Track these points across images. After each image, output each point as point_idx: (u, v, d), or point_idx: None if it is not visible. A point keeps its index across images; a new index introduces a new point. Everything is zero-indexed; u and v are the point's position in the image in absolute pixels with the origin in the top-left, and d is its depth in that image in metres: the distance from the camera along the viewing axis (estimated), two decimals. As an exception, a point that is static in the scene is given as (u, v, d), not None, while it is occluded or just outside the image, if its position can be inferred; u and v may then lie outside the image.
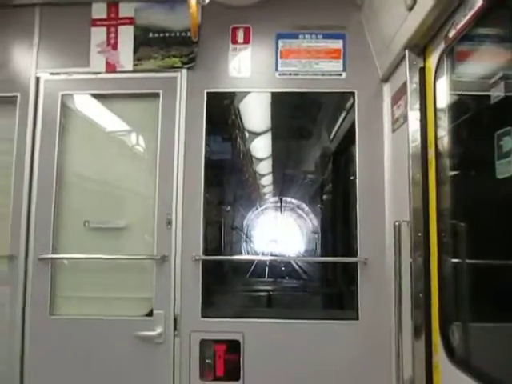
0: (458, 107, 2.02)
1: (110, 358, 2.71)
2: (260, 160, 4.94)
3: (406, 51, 2.22)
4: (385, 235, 2.65)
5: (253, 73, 2.85)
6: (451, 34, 1.89)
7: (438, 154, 2.09)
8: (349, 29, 2.82)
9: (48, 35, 2.93)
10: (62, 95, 2.90)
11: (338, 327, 2.71)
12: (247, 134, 4.70)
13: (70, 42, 2.92)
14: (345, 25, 2.83)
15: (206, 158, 2.85)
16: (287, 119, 4.05)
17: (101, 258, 2.85)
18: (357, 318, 2.67)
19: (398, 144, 2.48)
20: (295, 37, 2.84)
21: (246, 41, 2.86)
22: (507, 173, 1.51)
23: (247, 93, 3.05)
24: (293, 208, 4.88)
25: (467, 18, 1.75)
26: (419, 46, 2.18)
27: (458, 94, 2.05)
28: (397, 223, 2.31)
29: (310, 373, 2.64)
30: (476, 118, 1.91)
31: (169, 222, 2.77)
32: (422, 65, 2.20)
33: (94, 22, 2.90)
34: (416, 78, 2.21)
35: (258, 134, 4.56)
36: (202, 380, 2.68)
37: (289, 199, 4.83)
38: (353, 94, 2.82)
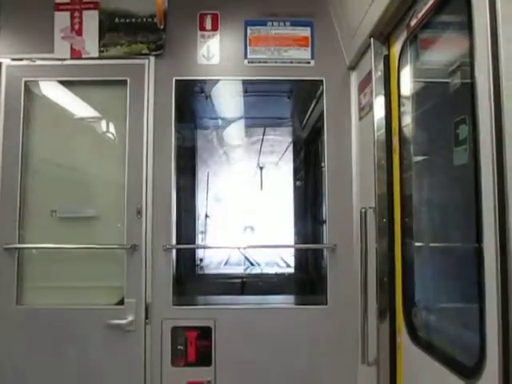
0: (421, 95, 2.06)
1: (81, 347, 2.69)
2: (232, 147, 4.94)
3: (371, 39, 2.25)
4: (352, 222, 2.70)
5: (222, 60, 2.83)
6: (413, 23, 1.92)
7: (401, 142, 2.13)
8: (316, 16, 2.83)
9: (9, 20, 2.83)
10: (26, 81, 2.83)
11: (307, 312, 2.76)
12: (219, 122, 4.70)
13: (33, 26, 2.83)
14: (312, 12, 2.83)
15: (176, 145, 2.84)
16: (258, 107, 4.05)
17: (69, 248, 2.82)
18: (325, 303, 2.73)
19: (365, 132, 2.52)
20: (263, 24, 2.83)
21: (215, 28, 2.84)
22: (463, 160, 1.56)
23: (217, 80, 3.02)
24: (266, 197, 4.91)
25: (427, 6, 1.78)
26: (383, 35, 2.21)
27: (421, 82, 2.09)
28: (363, 210, 2.35)
29: (280, 357, 2.69)
30: (437, 105, 1.95)
31: (139, 211, 2.75)
32: (386, 53, 2.23)
33: (57, 7, 2.82)
34: (381, 66, 2.24)
35: (229, 122, 4.56)
36: (174, 366, 2.70)
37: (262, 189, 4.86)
38: (321, 81, 2.83)
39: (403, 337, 2.05)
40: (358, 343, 2.48)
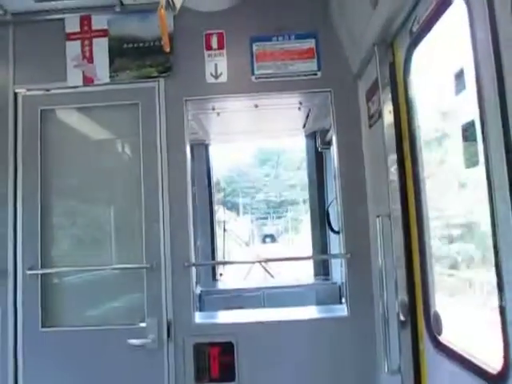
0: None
1: (104, 367, 2.73)
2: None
3: (375, 47, 2.26)
4: (368, 230, 2.69)
5: (230, 78, 2.88)
6: (415, 29, 1.93)
7: (412, 147, 2.13)
8: (320, 28, 2.86)
9: (24, 51, 2.94)
10: (42, 110, 2.92)
11: (327, 323, 2.74)
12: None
13: (46, 56, 2.93)
14: (316, 24, 2.86)
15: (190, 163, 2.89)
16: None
17: (90, 270, 2.88)
18: (345, 313, 2.71)
19: (376, 139, 2.52)
20: (268, 39, 2.87)
21: (220, 46, 2.89)
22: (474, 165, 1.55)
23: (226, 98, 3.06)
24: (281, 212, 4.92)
25: (428, 11, 1.79)
26: (387, 42, 2.22)
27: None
28: (379, 217, 2.34)
29: (303, 368, 2.68)
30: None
31: (157, 231, 2.79)
32: (391, 60, 2.24)
33: (68, 36, 2.92)
34: (386, 74, 2.24)
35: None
36: (197, 383, 2.70)
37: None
38: (329, 92, 2.85)
39: (425, 343, 2.02)
40: (378, 352, 2.46)
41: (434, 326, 1.95)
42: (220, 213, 4.93)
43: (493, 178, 1.36)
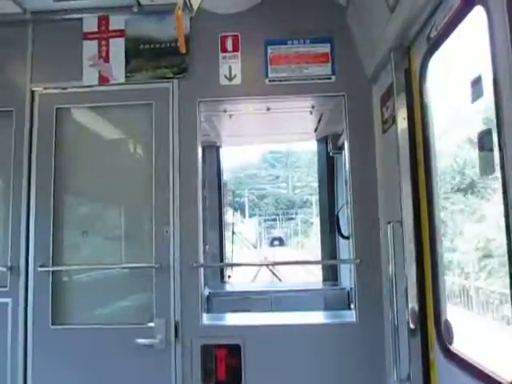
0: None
1: (111, 366, 2.74)
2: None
3: (391, 53, 2.25)
4: (379, 236, 2.67)
5: (243, 80, 2.89)
6: (432, 35, 1.92)
7: (426, 154, 2.11)
8: (335, 32, 2.86)
9: (41, 50, 2.99)
10: (57, 108, 2.95)
11: (336, 328, 2.73)
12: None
13: (63, 55, 2.97)
14: (331, 29, 2.86)
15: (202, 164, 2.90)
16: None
17: (100, 268, 2.89)
18: (354, 319, 2.69)
19: (389, 145, 2.50)
20: (284, 43, 2.88)
21: (235, 49, 2.90)
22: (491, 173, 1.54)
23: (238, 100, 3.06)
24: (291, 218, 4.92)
25: (447, 18, 1.78)
26: (403, 47, 2.21)
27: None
28: (390, 223, 2.33)
29: (310, 373, 2.66)
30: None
31: (166, 230, 2.80)
32: (407, 66, 2.23)
33: (86, 36, 2.96)
34: (402, 79, 2.23)
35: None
36: None
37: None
38: (343, 96, 2.84)
39: (436, 352, 2.00)
40: (387, 359, 2.43)
41: (444, 334, 1.93)
42: (228, 215, 4.90)
43: (509, 185, 1.34)
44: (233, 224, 6.09)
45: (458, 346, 1.90)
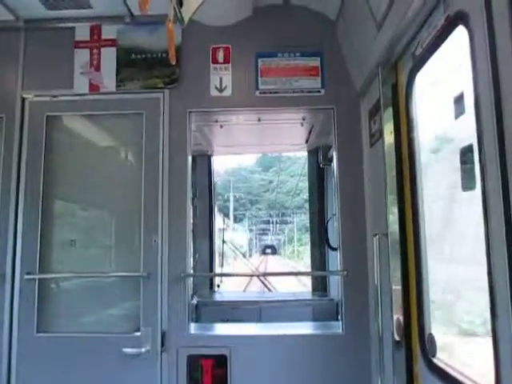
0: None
1: (97, 375, 2.72)
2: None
3: (379, 68, 2.29)
4: (366, 247, 2.70)
5: (234, 92, 2.91)
6: (418, 52, 1.96)
7: (412, 168, 2.14)
8: (325, 46, 2.90)
9: (33, 57, 3.00)
10: (47, 116, 2.95)
11: (323, 339, 2.73)
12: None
13: (55, 63, 2.98)
14: (321, 42, 2.90)
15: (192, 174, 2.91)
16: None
17: (87, 276, 2.88)
18: (341, 330, 2.70)
19: (376, 158, 2.54)
20: (274, 55, 2.91)
21: (226, 60, 2.93)
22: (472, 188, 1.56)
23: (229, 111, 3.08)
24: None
25: (431, 36, 1.82)
26: (390, 63, 2.25)
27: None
28: (376, 236, 2.35)
29: None
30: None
31: (155, 240, 2.80)
32: (394, 81, 2.27)
33: (77, 44, 2.97)
34: (389, 94, 2.27)
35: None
36: None
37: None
38: (332, 109, 2.88)
39: (420, 366, 2.01)
40: (373, 370, 2.44)
41: (428, 347, 1.95)
42: (218, 221, 4.89)
43: (489, 201, 1.37)
44: (223, 231, 6.08)
45: (442, 358, 1.91)
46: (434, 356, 1.94)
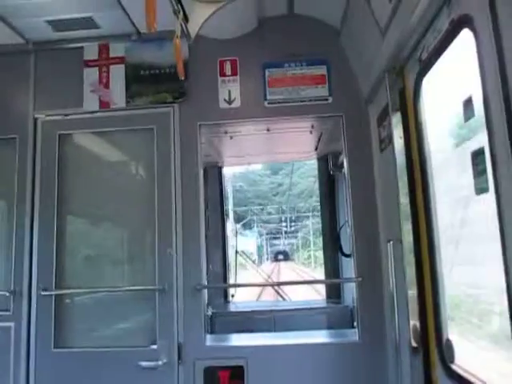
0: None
1: None
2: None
3: (385, 74, 2.30)
4: (380, 254, 2.68)
5: (243, 103, 2.94)
6: (424, 57, 1.97)
7: (423, 172, 2.14)
8: (331, 54, 2.92)
9: (43, 78, 3.06)
10: (60, 134, 3.01)
11: (339, 348, 2.72)
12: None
13: (65, 83, 3.05)
14: (327, 51, 2.92)
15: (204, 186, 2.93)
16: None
17: (103, 291, 2.91)
18: (357, 338, 2.68)
19: (387, 164, 2.53)
20: (281, 65, 2.94)
21: (234, 72, 2.96)
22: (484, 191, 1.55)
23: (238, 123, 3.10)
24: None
25: (437, 40, 1.83)
26: (396, 69, 2.25)
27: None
28: (389, 242, 2.34)
29: None
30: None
31: (169, 252, 2.82)
32: (401, 86, 2.27)
33: (86, 63, 3.03)
34: (397, 99, 2.27)
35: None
36: None
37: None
38: (341, 117, 2.89)
39: (438, 372, 1.99)
40: (390, 378, 2.42)
41: (446, 353, 1.93)
42: (229, 229, 4.89)
43: (502, 203, 1.36)
44: (236, 240, 6.08)
45: (461, 364, 1.89)
46: (452, 362, 1.91)
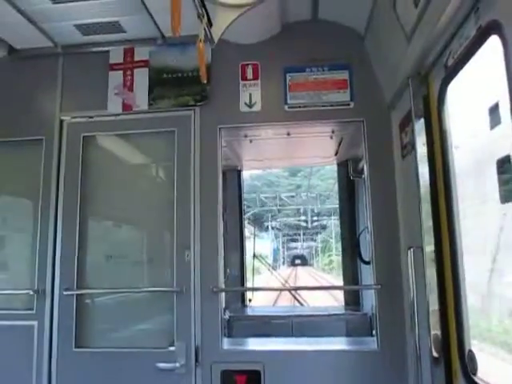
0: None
1: None
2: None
3: (410, 80, 2.27)
4: (400, 261, 2.65)
5: (263, 107, 2.95)
6: (450, 63, 1.94)
7: (446, 179, 2.11)
8: (353, 59, 2.91)
9: (70, 81, 3.14)
10: (84, 136, 3.06)
11: (358, 355, 2.69)
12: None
13: (90, 86, 3.11)
14: (349, 55, 2.91)
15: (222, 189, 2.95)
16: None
17: (122, 292, 2.94)
18: (376, 346, 2.65)
19: (408, 170, 2.50)
20: (302, 70, 2.94)
21: (255, 77, 2.98)
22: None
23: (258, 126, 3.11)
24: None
25: (463, 46, 1.80)
26: (421, 75, 2.23)
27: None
28: (410, 249, 2.31)
29: None
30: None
31: (187, 255, 2.83)
32: (425, 92, 2.24)
33: (112, 67, 3.09)
34: (420, 106, 2.25)
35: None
36: None
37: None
38: (362, 122, 2.87)
39: (460, 382, 1.95)
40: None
41: (469, 364, 1.89)
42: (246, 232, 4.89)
43: None
44: (254, 243, 6.07)
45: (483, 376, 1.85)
46: (475, 374, 1.88)
